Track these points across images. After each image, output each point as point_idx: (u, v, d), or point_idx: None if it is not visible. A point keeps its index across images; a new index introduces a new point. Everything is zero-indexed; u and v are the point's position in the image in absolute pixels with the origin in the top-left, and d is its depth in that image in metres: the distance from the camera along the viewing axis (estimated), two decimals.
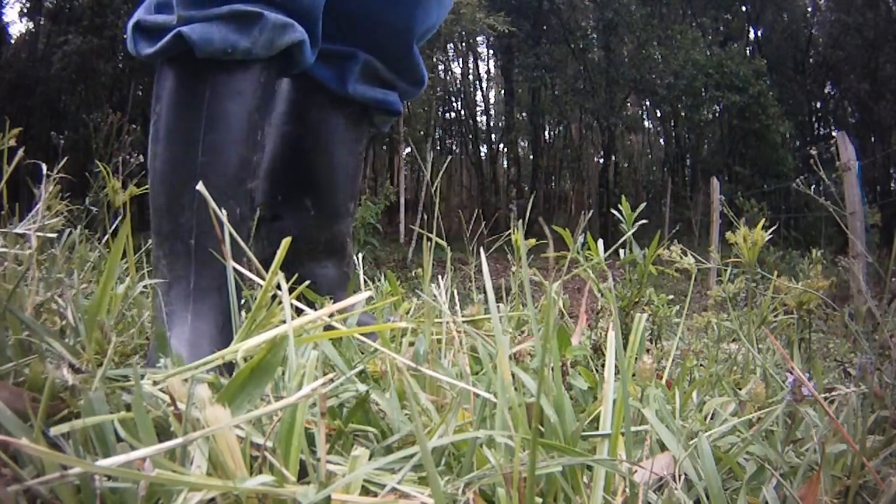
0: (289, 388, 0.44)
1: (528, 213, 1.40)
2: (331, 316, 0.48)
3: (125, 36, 0.95)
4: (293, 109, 1.10)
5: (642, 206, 1.16)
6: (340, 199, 1.11)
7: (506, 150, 19.52)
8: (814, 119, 18.50)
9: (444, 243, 1.03)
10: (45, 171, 1.02)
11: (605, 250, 1.10)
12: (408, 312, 1.05)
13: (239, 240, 0.54)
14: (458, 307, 0.79)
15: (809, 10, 18.13)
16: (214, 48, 0.83)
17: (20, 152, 0.99)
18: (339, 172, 1.11)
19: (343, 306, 0.47)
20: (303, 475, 0.41)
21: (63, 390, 0.43)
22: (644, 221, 1.14)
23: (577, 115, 17.88)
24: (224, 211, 0.55)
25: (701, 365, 1.08)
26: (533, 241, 1.26)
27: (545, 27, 16.67)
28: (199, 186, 0.53)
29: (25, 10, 14.81)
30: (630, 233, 1.12)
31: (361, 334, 0.62)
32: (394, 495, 0.41)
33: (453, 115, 19.77)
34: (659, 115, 18.94)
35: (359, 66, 1.07)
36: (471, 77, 19.58)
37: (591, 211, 1.14)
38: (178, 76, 0.86)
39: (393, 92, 1.12)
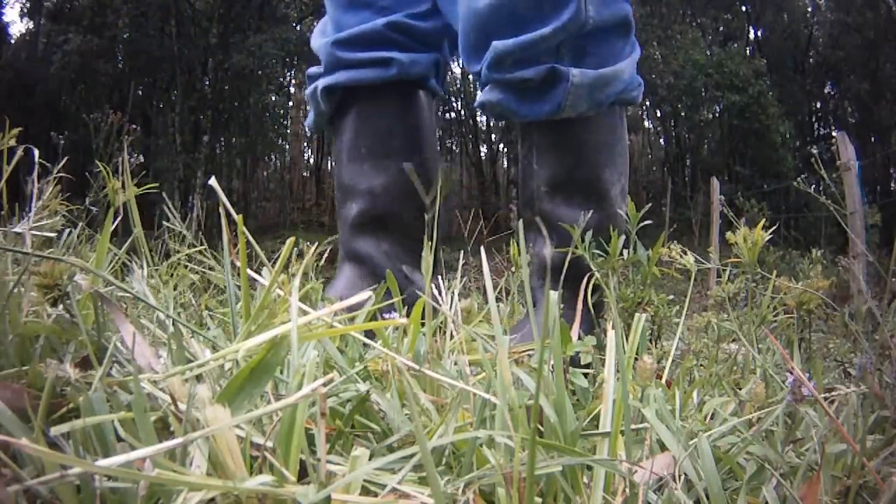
0: (289, 388, 0.44)
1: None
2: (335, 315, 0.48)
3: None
4: None
5: (648, 206, 1.14)
6: None
7: (506, 150, 19.53)
8: (814, 119, 18.50)
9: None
10: (36, 159, 1.02)
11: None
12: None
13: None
14: (458, 308, 0.79)
15: (809, 10, 18.14)
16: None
17: (20, 152, 0.99)
18: None
19: (345, 306, 0.47)
20: (303, 475, 0.41)
21: (66, 384, 0.43)
22: (649, 222, 1.13)
23: None
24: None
25: (701, 365, 1.08)
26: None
27: None
28: (212, 182, 0.53)
29: (25, 10, 14.83)
30: (634, 232, 1.11)
31: (364, 333, 0.62)
32: (394, 495, 0.41)
33: (453, 115, 19.78)
34: (659, 115, 18.94)
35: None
36: (471, 77, 19.55)
37: (591, 210, 1.13)
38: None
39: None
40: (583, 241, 1.07)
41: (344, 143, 1.26)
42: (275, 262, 0.54)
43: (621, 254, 1.08)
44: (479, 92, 1.19)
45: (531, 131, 1.16)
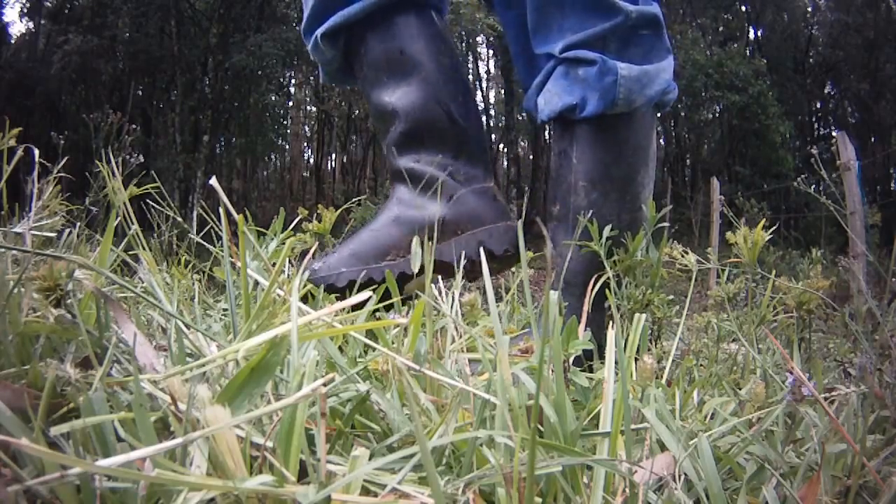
0: (289, 388, 0.44)
1: (525, 213, 1.40)
2: (336, 315, 0.48)
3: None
4: None
5: (669, 207, 1.17)
6: None
7: (506, 150, 19.53)
8: (814, 119, 18.51)
9: None
10: (36, 159, 1.02)
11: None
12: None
13: None
14: (458, 308, 0.79)
15: (809, 10, 18.14)
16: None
17: (20, 152, 0.99)
18: None
19: (344, 306, 0.47)
20: (303, 475, 0.41)
21: (66, 384, 0.43)
22: (665, 224, 1.15)
23: None
24: None
25: (701, 365, 1.08)
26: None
27: None
28: (213, 181, 0.53)
29: (25, 10, 14.83)
30: (649, 233, 1.12)
31: (364, 333, 0.62)
32: (394, 495, 0.41)
33: None
34: (659, 115, 18.93)
35: None
36: (470, 77, 19.56)
37: (591, 210, 1.13)
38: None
39: None
40: (616, 239, 1.11)
41: (366, 78, 1.24)
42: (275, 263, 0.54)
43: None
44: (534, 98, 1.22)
45: (573, 126, 1.17)
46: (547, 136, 18.98)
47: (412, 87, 1.19)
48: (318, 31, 1.23)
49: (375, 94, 1.23)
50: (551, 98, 1.16)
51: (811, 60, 17.80)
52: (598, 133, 1.15)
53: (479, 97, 20.30)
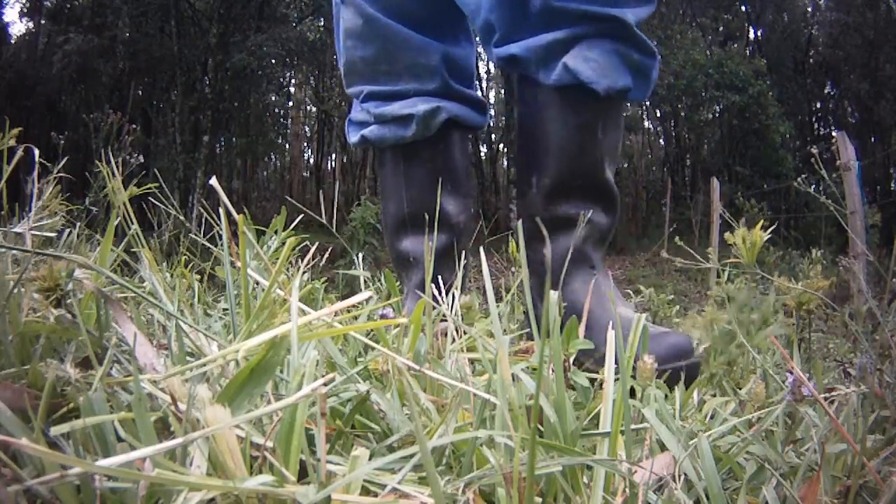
0: (289, 388, 0.44)
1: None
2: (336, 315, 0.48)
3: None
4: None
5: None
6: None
7: (506, 150, 19.52)
8: (814, 119, 18.50)
9: None
10: (36, 159, 1.02)
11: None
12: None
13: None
14: (457, 308, 0.79)
15: (809, 10, 18.15)
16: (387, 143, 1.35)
17: (20, 152, 0.99)
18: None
19: (344, 306, 0.47)
20: (303, 475, 0.41)
21: (66, 384, 0.43)
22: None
23: None
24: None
25: None
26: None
27: None
28: (213, 182, 0.53)
29: (25, 10, 14.82)
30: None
31: (364, 333, 0.62)
32: (394, 495, 0.41)
33: None
34: (659, 115, 18.93)
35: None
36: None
37: (591, 210, 1.13)
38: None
39: None
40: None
41: (427, 170, 1.36)
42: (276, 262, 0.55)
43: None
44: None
45: (604, 102, 1.13)
46: None
47: (466, 207, 1.45)
48: (430, 105, 1.31)
49: (435, 195, 1.33)
50: (609, 72, 1.08)
51: (811, 60, 17.80)
52: (619, 112, 1.20)
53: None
